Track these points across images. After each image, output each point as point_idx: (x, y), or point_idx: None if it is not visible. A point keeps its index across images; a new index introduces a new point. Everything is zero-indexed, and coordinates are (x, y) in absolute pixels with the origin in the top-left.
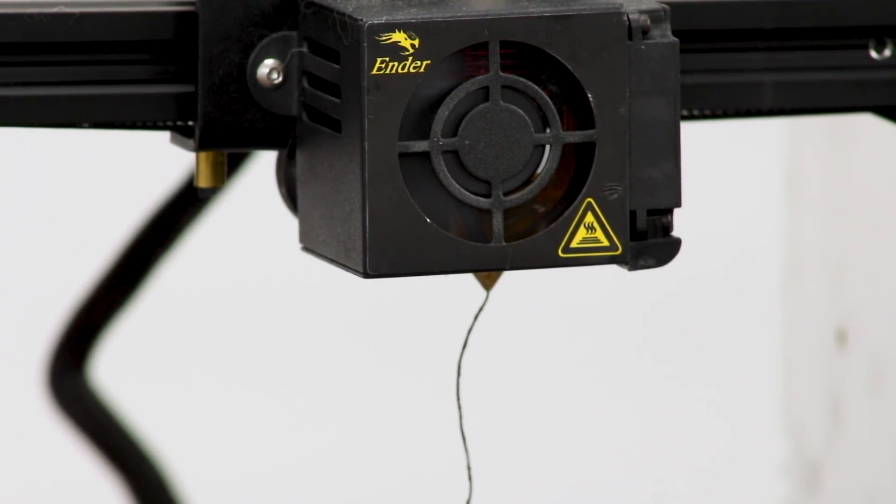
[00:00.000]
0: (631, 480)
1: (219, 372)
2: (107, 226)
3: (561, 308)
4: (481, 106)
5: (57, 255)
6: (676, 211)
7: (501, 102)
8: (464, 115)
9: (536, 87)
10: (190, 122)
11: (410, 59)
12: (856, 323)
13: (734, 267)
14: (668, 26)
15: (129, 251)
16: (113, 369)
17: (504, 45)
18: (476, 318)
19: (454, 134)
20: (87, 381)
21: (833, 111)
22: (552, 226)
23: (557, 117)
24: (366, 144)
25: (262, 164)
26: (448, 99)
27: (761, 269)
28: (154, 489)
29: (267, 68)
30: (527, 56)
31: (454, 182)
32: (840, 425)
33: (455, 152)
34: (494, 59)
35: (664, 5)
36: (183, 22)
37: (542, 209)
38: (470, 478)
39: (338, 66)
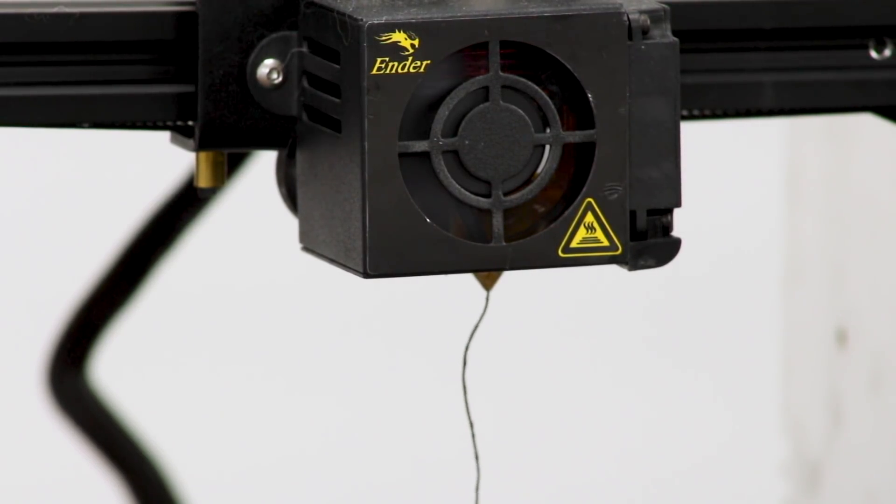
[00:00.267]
0: (631, 480)
1: (219, 372)
2: (107, 226)
3: (560, 308)
4: (481, 106)
5: (57, 254)
6: (676, 211)
7: (501, 102)
8: (464, 115)
9: (536, 87)
10: (190, 122)
11: (410, 59)
12: (856, 323)
13: (734, 267)
14: (668, 26)
15: (129, 251)
16: (113, 369)
17: (504, 45)
18: (480, 319)
19: (454, 134)
20: (87, 381)
21: (833, 111)
22: (552, 226)
23: (557, 117)
24: (366, 144)
25: (262, 164)
26: (448, 99)
27: (761, 269)
28: (154, 489)
29: (267, 68)
30: (527, 56)
31: (454, 182)
32: (840, 425)
33: (455, 152)
34: (494, 59)
35: (664, 5)
36: (183, 22)
37: (542, 209)
38: (478, 469)
39: (338, 66)
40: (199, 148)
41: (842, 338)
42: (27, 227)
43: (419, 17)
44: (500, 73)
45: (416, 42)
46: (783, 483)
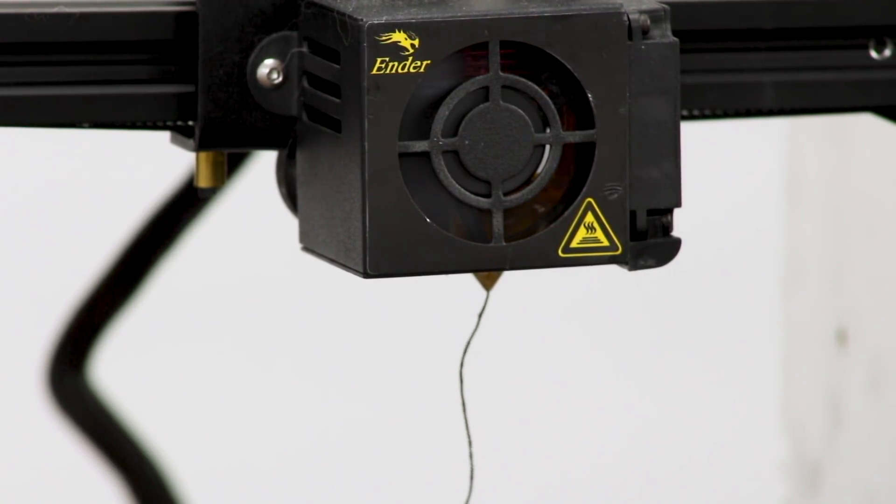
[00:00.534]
0: (631, 480)
1: (219, 372)
2: (107, 226)
3: (559, 308)
4: (481, 106)
5: (57, 254)
6: (676, 211)
7: (501, 102)
8: (464, 115)
9: (536, 87)
10: (190, 122)
11: (410, 59)
12: (856, 323)
13: (734, 266)
14: (668, 26)
15: (129, 251)
16: (113, 369)
17: (504, 45)
18: (479, 319)
19: (454, 134)
20: (87, 381)
21: (833, 111)
22: (552, 226)
23: (557, 117)
24: (366, 144)
25: (262, 164)
26: (448, 99)
27: (761, 269)
28: (154, 489)
29: (267, 68)
30: (527, 56)
31: (454, 182)
32: (840, 425)
33: (455, 152)
34: (494, 59)
35: (664, 5)
36: (183, 22)
37: (542, 209)
38: (471, 469)
39: (338, 66)
40: (199, 148)
41: (842, 338)
42: (27, 227)
43: (419, 17)
44: (500, 73)
45: (416, 42)
46: (783, 483)
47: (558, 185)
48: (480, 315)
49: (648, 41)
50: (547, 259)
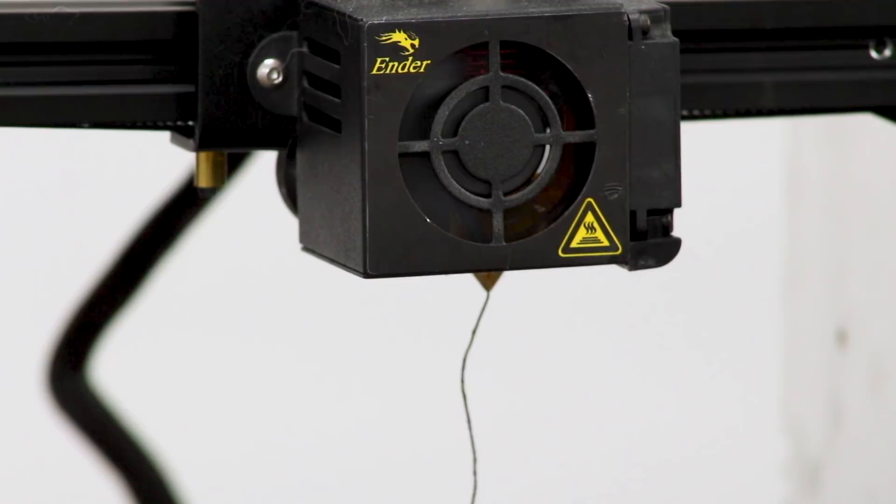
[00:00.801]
0: (631, 479)
1: (219, 372)
2: (107, 226)
3: (559, 308)
4: (481, 106)
5: (57, 254)
6: (676, 211)
7: (501, 102)
8: (464, 115)
9: (536, 87)
10: (190, 122)
11: (410, 59)
12: (856, 323)
13: (734, 267)
14: (668, 26)
15: (129, 251)
16: (113, 369)
17: (504, 45)
18: (479, 318)
19: (454, 134)
20: (87, 381)
21: (833, 111)
22: (552, 226)
23: (557, 117)
24: (366, 144)
25: (262, 164)
26: (448, 99)
27: (761, 270)
28: (154, 489)
29: (267, 68)
30: (527, 56)
31: (454, 182)
32: (840, 425)
33: (455, 152)
34: (494, 59)
35: (664, 5)
36: (183, 22)
37: (542, 209)
38: (475, 472)
39: (338, 66)
40: (199, 148)
41: (842, 338)
42: (27, 226)
43: (419, 17)
44: (500, 73)
45: (416, 42)
46: (783, 483)
47: (558, 185)
48: (479, 318)
49: (648, 41)
50: (547, 259)
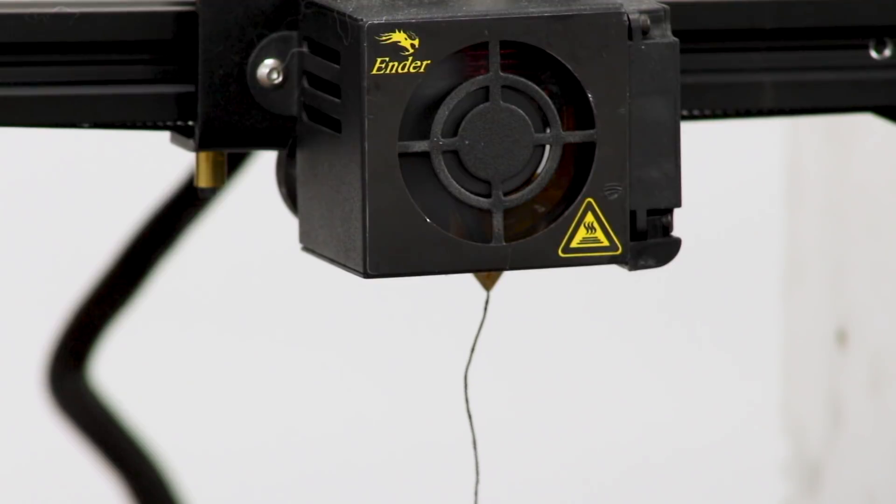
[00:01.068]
0: (631, 479)
1: (219, 372)
2: (107, 226)
3: (558, 308)
4: (481, 106)
5: (57, 254)
6: (676, 211)
7: (501, 102)
8: (464, 115)
9: (536, 87)
10: (190, 122)
11: (410, 59)
12: (856, 323)
13: (734, 267)
14: (668, 26)
15: (129, 251)
16: (113, 369)
17: (504, 45)
18: (482, 320)
19: (454, 134)
20: (87, 381)
21: (833, 111)
22: (552, 226)
23: (557, 117)
24: (366, 144)
25: (262, 164)
26: (448, 99)
27: (761, 269)
28: (154, 489)
29: (267, 68)
30: (527, 56)
31: (454, 182)
32: (840, 425)
33: (455, 152)
34: (494, 59)
35: (664, 5)
36: (183, 22)
37: (542, 209)
38: (477, 471)
39: (338, 66)
40: (199, 148)
41: (842, 338)
42: (27, 226)
43: (419, 17)
44: (500, 73)
45: (416, 42)
46: (783, 483)
47: (558, 185)
48: (483, 319)
49: (648, 41)
50: (547, 259)
